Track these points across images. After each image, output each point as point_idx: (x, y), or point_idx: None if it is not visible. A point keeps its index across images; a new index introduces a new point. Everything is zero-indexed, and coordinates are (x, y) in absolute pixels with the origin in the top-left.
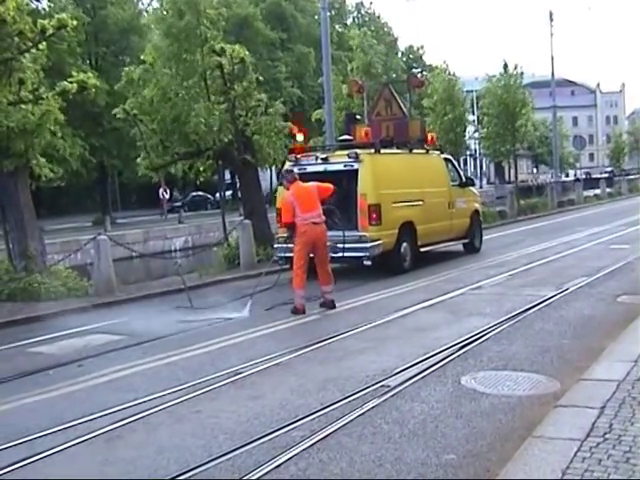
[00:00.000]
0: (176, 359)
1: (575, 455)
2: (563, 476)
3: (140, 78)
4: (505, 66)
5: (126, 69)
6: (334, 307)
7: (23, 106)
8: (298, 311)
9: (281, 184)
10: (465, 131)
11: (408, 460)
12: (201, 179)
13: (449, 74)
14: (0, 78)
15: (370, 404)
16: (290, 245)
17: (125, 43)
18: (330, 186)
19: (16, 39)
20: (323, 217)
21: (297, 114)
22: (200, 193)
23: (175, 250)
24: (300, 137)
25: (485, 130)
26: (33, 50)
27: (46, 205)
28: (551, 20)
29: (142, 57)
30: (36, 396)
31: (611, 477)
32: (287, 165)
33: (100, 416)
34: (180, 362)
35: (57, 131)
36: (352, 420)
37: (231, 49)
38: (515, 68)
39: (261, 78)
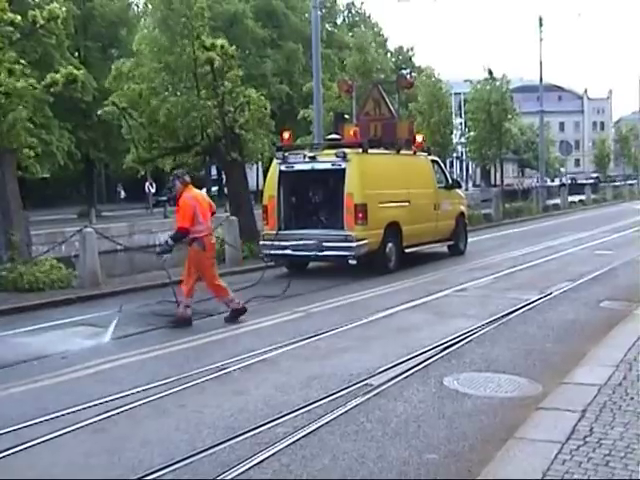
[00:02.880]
0: (161, 353)
1: (556, 457)
2: (544, 477)
3: (130, 71)
4: (490, 72)
5: (116, 62)
6: (245, 310)
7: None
8: (185, 321)
9: (170, 189)
10: (452, 134)
11: (390, 458)
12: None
13: (435, 77)
14: None
15: (353, 402)
16: (277, 242)
17: (114, 36)
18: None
19: (8, 29)
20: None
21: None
22: None
23: (160, 244)
24: (287, 134)
25: (471, 134)
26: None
27: (32, 196)
28: (540, 25)
29: (133, 45)
30: (21, 387)
31: (591, 479)
32: (177, 171)
33: (85, 408)
34: (165, 356)
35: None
36: (335, 418)
37: (220, 44)
38: (503, 77)
39: (240, 73)
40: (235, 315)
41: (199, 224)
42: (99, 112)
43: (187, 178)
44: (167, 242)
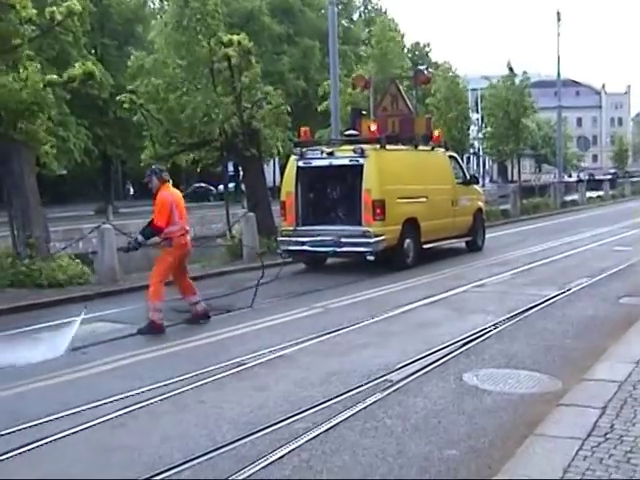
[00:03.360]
0: (180, 349)
1: (577, 454)
2: (564, 474)
3: (146, 67)
4: (511, 69)
5: (136, 54)
6: (209, 317)
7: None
8: (159, 328)
9: (147, 184)
10: (469, 129)
11: (410, 454)
12: (202, 170)
13: (452, 72)
14: (7, 65)
15: (373, 398)
16: (295, 238)
17: (130, 33)
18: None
19: (25, 26)
20: None
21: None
22: (202, 184)
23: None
24: (304, 131)
25: (488, 130)
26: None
27: (49, 193)
28: (558, 20)
29: (150, 37)
30: (42, 382)
31: (612, 477)
32: (155, 166)
33: (105, 403)
34: (184, 352)
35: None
36: (355, 413)
37: (237, 40)
38: (523, 74)
39: (262, 68)
40: (150, 329)
41: (175, 224)
42: (117, 98)
43: (165, 175)
44: (136, 239)
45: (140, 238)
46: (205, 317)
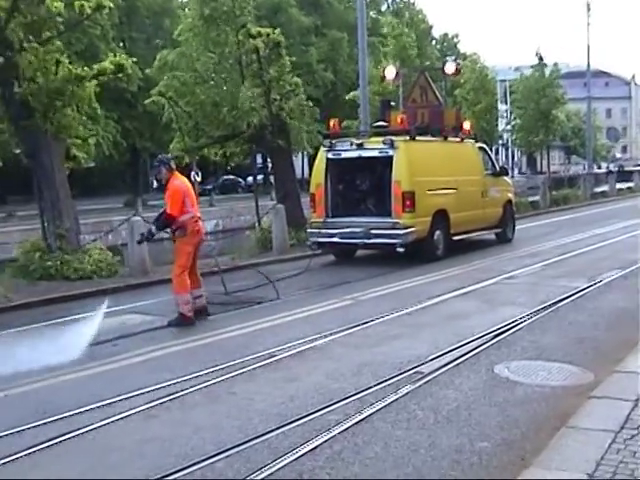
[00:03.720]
0: (211, 340)
1: (609, 447)
2: (597, 467)
3: (174, 61)
4: (540, 58)
5: (161, 52)
6: (208, 314)
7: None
8: (189, 320)
9: (156, 175)
10: (497, 120)
11: (442, 446)
12: (233, 163)
13: (481, 64)
14: (37, 58)
15: (404, 390)
16: (325, 230)
17: (158, 27)
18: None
19: (54, 20)
20: None
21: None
22: (231, 177)
23: (206, 233)
24: (333, 122)
25: (517, 121)
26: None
27: (78, 185)
28: (588, 10)
29: (176, 33)
30: (73, 374)
31: None
32: (162, 156)
33: (137, 395)
34: (215, 343)
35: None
36: (387, 405)
37: (266, 32)
38: (555, 65)
39: (292, 59)
40: (180, 321)
41: (187, 212)
42: (146, 102)
43: (173, 164)
44: (150, 230)
45: (154, 229)
46: (204, 313)
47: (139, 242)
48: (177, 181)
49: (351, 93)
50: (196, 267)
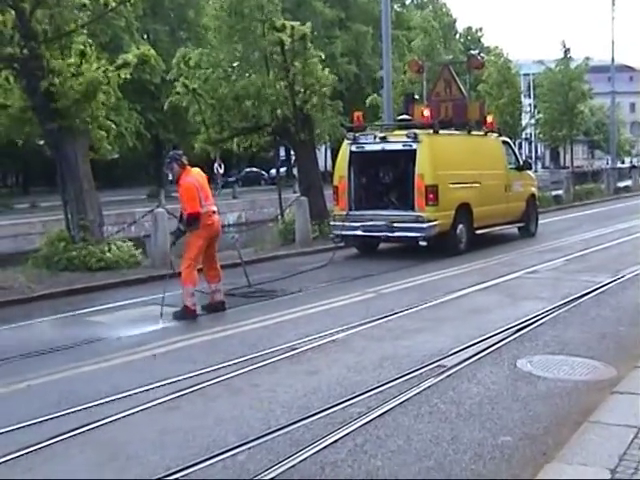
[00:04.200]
0: (233, 332)
1: (632, 442)
2: (620, 462)
3: (196, 61)
4: (566, 51)
5: (181, 50)
6: (224, 309)
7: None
8: (191, 313)
9: (169, 173)
10: (521, 115)
11: (465, 440)
12: (255, 154)
13: (504, 57)
14: (62, 50)
15: (427, 383)
16: (348, 223)
17: (182, 19)
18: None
19: (78, 12)
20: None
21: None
22: (254, 169)
23: (228, 225)
24: (358, 115)
25: (541, 115)
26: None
27: (101, 177)
28: (613, 4)
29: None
30: (94, 365)
31: None
32: (173, 152)
33: (158, 386)
34: (237, 335)
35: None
36: (409, 398)
37: (291, 25)
38: (586, 59)
39: (322, 55)
40: (183, 315)
41: (202, 206)
42: (170, 99)
43: (185, 160)
44: (179, 228)
45: (182, 227)
46: (221, 307)
47: (173, 244)
48: (189, 177)
49: (370, 97)
50: (215, 261)
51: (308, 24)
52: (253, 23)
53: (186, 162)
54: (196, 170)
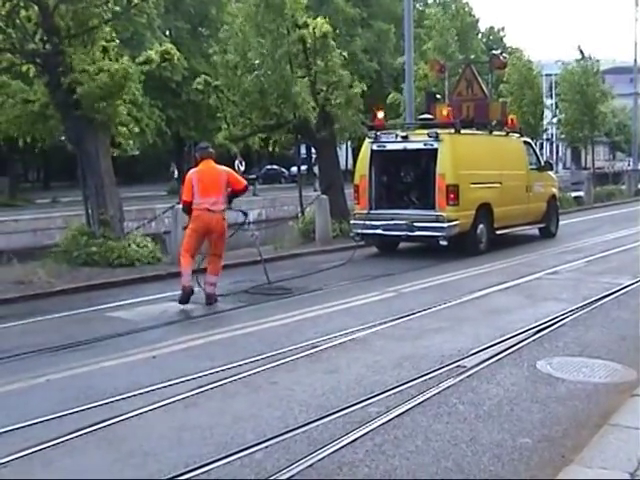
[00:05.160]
0: (252, 330)
1: None
2: (639, 465)
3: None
4: (582, 52)
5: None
6: (211, 303)
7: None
8: (185, 289)
9: (196, 158)
10: (542, 115)
11: (483, 441)
12: (276, 150)
13: (526, 58)
14: (85, 46)
15: (446, 384)
16: (368, 222)
17: (204, 16)
18: (243, 182)
19: (101, 8)
20: (224, 207)
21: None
22: (274, 167)
23: (249, 222)
24: (381, 114)
25: (562, 116)
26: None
27: (121, 173)
28: (636, 5)
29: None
30: (114, 360)
31: None
32: (200, 144)
33: (177, 383)
34: (256, 333)
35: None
36: (428, 399)
37: (314, 23)
38: (590, 58)
39: (345, 54)
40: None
41: (197, 198)
42: (192, 87)
43: (201, 153)
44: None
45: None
46: (206, 301)
47: (184, 228)
48: (193, 170)
49: (391, 95)
50: (215, 256)
51: (323, 20)
52: (278, 19)
53: (205, 156)
54: (207, 165)
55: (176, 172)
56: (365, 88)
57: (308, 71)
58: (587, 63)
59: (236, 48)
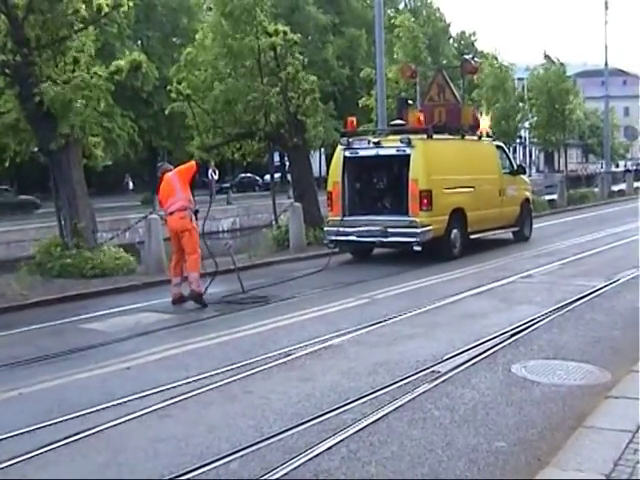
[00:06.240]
0: (227, 339)
1: (627, 447)
2: (615, 467)
3: (193, 59)
4: (547, 57)
5: (187, 50)
6: (198, 301)
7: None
8: (175, 299)
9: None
10: (519, 120)
11: (459, 446)
12: (249, 159)
13: (499, 62)
14: (55, 57)
15: (421, 389)
16: (342, 229)
17: (175, 25)
18: (191, 163)
19: (71, 18)
20: (182, 204)
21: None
22: (248, 175)
23: (223, 231)
24: (352, 118)
25: (534, 119)
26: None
27: (94, 183)
28: (606, 8)
29: (197, 36)
30: (88, 372)
31: None
32: (159, 164)
33: (152, 393)
34: (231, 342)
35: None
36: (403, 405)
37: (283, 31)
38: (555, 62)
39: (304, 58)
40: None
41: (164, 207)
42: (170, 106)
43: (159, 172)
44: None
45: None
46: (177, 302)
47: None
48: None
49: (362, 99)
50: (188, 254)
51: (284, 27)
52: (245, 27)
53: (162, 171)
54: (165, 177)
55: (131, 184)
56: (331, 92)
57: (279, 78)
58: (553, 68)
59: (203, 62)
